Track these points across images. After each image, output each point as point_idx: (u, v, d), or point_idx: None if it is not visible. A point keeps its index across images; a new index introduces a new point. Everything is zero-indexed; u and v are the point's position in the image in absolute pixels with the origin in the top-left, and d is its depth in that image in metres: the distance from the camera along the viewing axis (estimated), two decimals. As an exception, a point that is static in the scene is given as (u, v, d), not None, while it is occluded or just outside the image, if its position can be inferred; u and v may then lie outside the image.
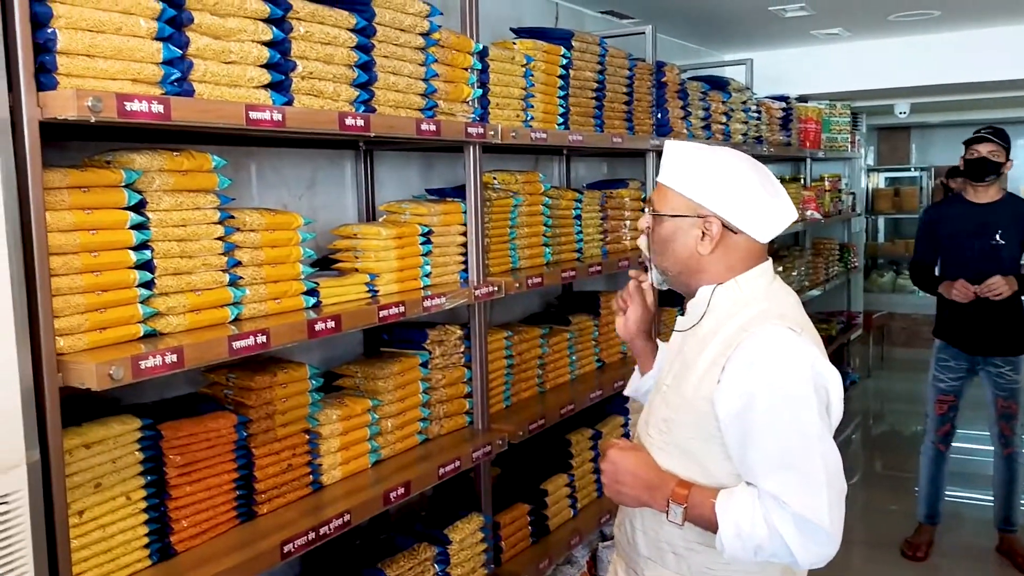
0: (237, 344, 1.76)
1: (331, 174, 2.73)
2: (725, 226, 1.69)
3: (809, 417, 1.56)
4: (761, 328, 1.61)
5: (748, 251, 1.73)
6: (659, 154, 3.81)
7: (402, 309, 2.22)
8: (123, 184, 1.68)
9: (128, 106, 1.55)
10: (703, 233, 1.69)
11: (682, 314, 1.83)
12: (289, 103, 1.96)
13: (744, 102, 4.66)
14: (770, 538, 1.55)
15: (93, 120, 1.49)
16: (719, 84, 4.46)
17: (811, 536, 1.52)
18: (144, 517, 1.77)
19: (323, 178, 2.70)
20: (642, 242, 1.87)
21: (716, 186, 1.69)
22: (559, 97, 3.04)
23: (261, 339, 1.81)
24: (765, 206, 1.70)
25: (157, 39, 1.67)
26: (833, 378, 1.61)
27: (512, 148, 3.40)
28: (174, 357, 1.63)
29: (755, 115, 4.80)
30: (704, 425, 1.64)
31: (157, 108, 1.60)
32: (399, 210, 2.56)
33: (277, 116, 1.84)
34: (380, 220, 2.61)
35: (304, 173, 2.63)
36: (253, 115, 1.79)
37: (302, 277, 2.07)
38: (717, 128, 4.36)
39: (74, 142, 1.95)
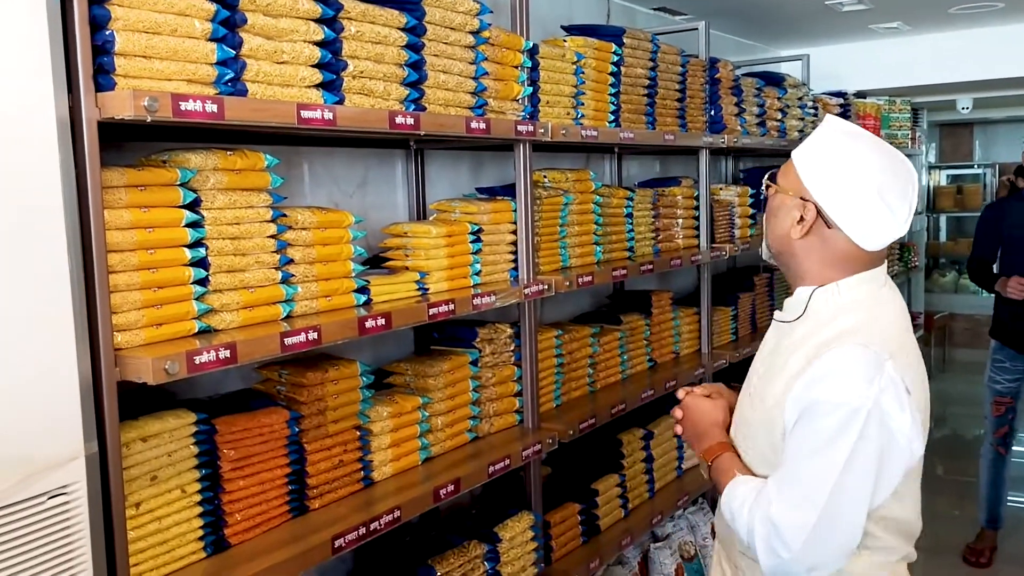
0: (289, 340, 1.78)
1: (382, 173, 2.75)
2: (821, 216, 1.63)
3: (843, 445, 1.50)
4: (840, 347, 1.55)
5: (849, 254, 1.64)
6: (712, 152, 3.78)
7: (452, 307, 2.22)
8: (178, 183, 1.71)
9: (183, 106, 1.57)
10: (800, 216, 1.65)
11: (778, 308, 1.80)
12: (340, 102, 1.98)
13: (800, 98, 4.58)
14: (747, 525, 1.56)
15: (149, 120, 1.52)
16: (774, 80, 4.39)
17: (774, 546, 1.51)
18: (199, 510, 1.80)
19: (374, 177, 2.72)
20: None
21: (826, 174, 1.62)
22: (610, 95, 3.02)
23: (312, 336, 1.83)
24: (873, 212, 1.58)
25: (211, 40, 1.70)
26: (903, 421, 1.53)
27: (562, 146, 3.39)
28: (227, 353, 1.65)
29: (811, 111, 4.71)
30: (773, 432, 1.62)
31: (211, 108, 1.62)
32: (449, 208, 2.57)
33: (328, 115, 1.86)
34: (431, 219, 2.62)
35: (355, 172, 2.66)
36: (305, 114, 1.80)
37: (353, 275, 2.09)
38: (772, 125, 4.29)
39: (131, 143, 1.99)
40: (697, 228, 3.71)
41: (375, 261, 2.45)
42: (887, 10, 4.81)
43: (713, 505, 3.93)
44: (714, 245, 3.75)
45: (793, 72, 4.95)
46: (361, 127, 1.97)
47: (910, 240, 7.38)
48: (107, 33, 1.54)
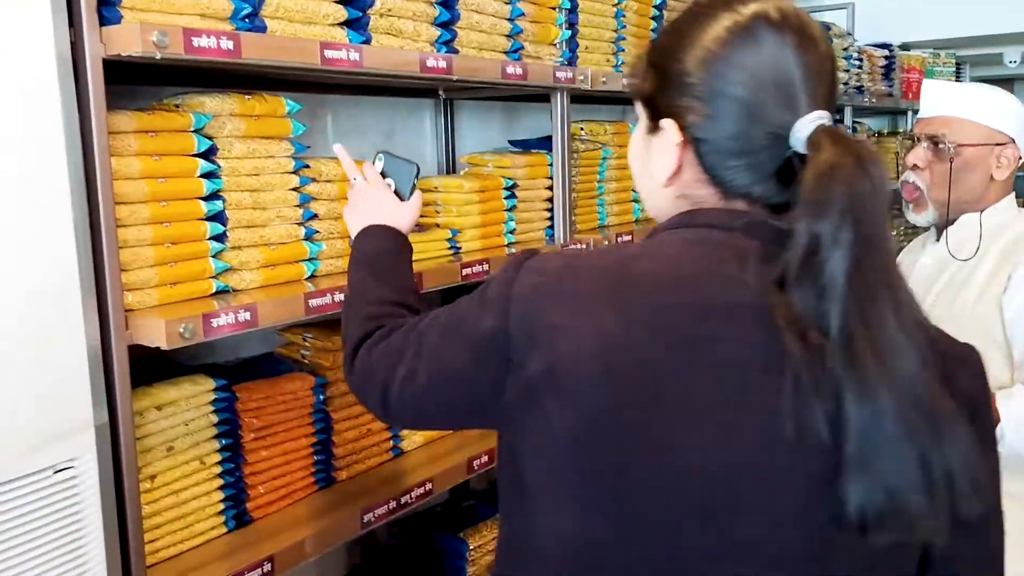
0: (314, 302, 1.64)
1: (409, 124, 2.59)
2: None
3: None
4: None
5: (1010, 178, 2.03)
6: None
7: (486, 267, 2.07)
8: (192, 129, 1.56)
9: (196, 42, 1.42)
10: (999, 160, 1.96)
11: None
12: (366, 42, 1.82)
13: (845, 48, 4.36)
14: None
15: (159, 57, 1.37)
16: (819, 29, 4.17)
17: None
18: (219, 483, 1.68)
19: (401, 128, 2.56)
20: (917, 178, 2.04)
21: (1016, 116, 1.96)
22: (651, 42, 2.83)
23: (340, 297, 1.69)
24: None
25: (227, -30, 1.55)
26: None
27: (597, 97, 3.21)
28: (247, 315, 1.52)
29: (857, 63, 4.48)
30: (986, 333, 1.84)
31: (227, 44, 1.47)
32: (481, 162, 2.41)
33: (354, 56, 1.70)
34: (462, 173, 2.46)
35: (382, 123, 2.50)
36: (328, 54, 1.65)
37: (381, 231, 1.94)
38: (816, 77, 4.08)
39: (144, 87, 1.84)
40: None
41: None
42: (938, -45, 4.55)
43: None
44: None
45: (838, 21, 4.72)
46: (390, 70, 1.81)
47: (950, 200, 7.13)
48: (111, -39, 1.39)
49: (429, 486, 1.94)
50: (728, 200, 0.99)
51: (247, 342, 2.07)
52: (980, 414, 0.93)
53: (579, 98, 3.15)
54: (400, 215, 1.65)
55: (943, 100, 1.97)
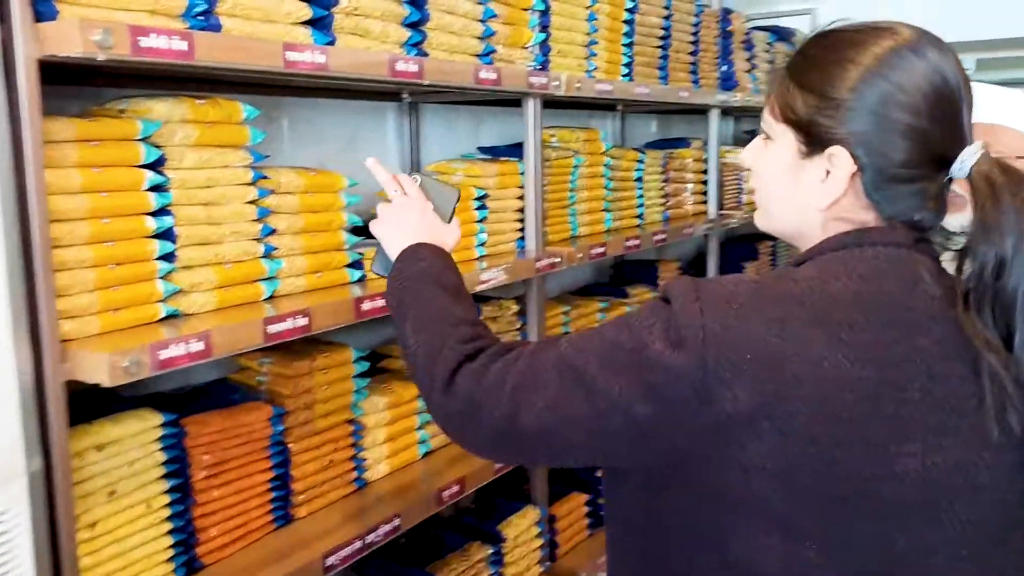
0: (273, 328, 1.49)
1: (372, 128, 2.44)
2: None
3: None
4: None
5: None
6: (724, 111, 3.50)
7: (458, 284, 1.94)
8: (139, 137, 1.40)
9: (143, 41, 1.27)
10: None
11: None
12: (331, 43, 1.67)
13: (809, 55, 4.30)
14: None
15: (102, 58, 1.21)
16: (784, 35, 4.12)
17: None
18: (167, 526, 1.52)
19: (364, 133, 2.41)
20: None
21: None
22: (624, 45, 2.72)
23: (302, 321, 1.55)
24: None
25: (178, -38, 1.39)
26: None
27: (568, 103, 3.10)
28: (201, 345, 1.37)
29: (819, 70, 4.44)
30: None
31: (179, 45, 1.32)
32: (450, 170, 2.28)
33: (320, 58, 1.56)
34: (428, 181, 2.33)
35: (343, 128, 2.35)
36: (291, 56, 1.50)
37: (346, 247, 1.80)
38: (782, 83, 4.02)
39: (85, 87, 1.68)
40: (706, 194, 3.44)
41: (365, 230, 2.16)
42: (900, -38, 4.52)
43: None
44: (722, 212, 3.49)
45: (801, 28, 4.67)
46: (357, 74, 1.67)
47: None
48: (47, -52, 1.23)
49: (397, 522, 1.80)
50: (887, 222, 1.02)
51: (200, 367, 1.91)
52: None
53: (552, 102, 3.04)
54: (446, 235, 1.54)
55: (982, 104, 1.72)
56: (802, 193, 1.06)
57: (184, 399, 1.68)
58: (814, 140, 1.03)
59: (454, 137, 2.72)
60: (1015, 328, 0.93)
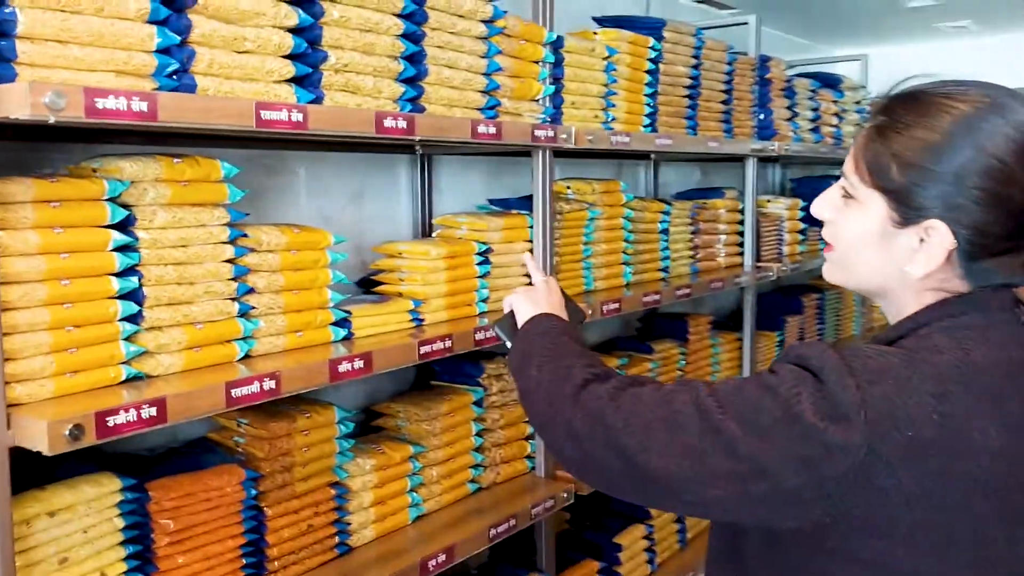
0: (238, 392, 1.45)
1: (383, 181, 2.41)
2: None
3: None
4: None
5: None
6: (760, 159, 3.40)
7: (448, 344, 1.88)
8: (106, 197, 1.39)
9: (100, 103, 1.24)
10: None
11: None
12: (318, 100, 1.65)
13: (858, 102, 4.18)
14: None
15: (52, 120, 1.20)
16: (830, 82, 4.00)
17: None
18: (125, 594, 1.48)
19: (373, 186, 2.38)
20: None
21: None
22: (646, 95, 2.66)
23: (269, 384, 1.50)
24: None
25: (150, 22, 1.38)
26: None
27: (590, 152, 3.04)
28: (153, 411, 1.33)
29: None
30: None
31: (139, 106, 1.29)
32: (454, 224, 2.23)
33: (297, 116, 1.53)
34: (435, 235, 2.29)
35: (350, 181, 2.32)
36: (266, 115, 1.47)
37: (330, 305, 1.76)
38: (827, 131, 3.90)
39: (71, 144, 1.68)
40: (742, 245, 3.33)
41: (370, 284, 2.12)
42: (956, 7, 4.37)
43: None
44: (760, 264, 3.37)
45: (851, 74, 4.55)
46: (340, 131, 1.63)
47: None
48: (7, 11, 1.23)
49: (374, 593, 1.73)
50: (981, 293, 1.02)
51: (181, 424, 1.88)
52: None
53: (568, 153, 2.98)
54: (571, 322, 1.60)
55: None
56: (893, 260, 1.06)
57: (155, 460, 1.65)
58: (910, 211, 1.02)
59: (468, 189, 2.67)
60: None
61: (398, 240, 2.19)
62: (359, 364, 1.68)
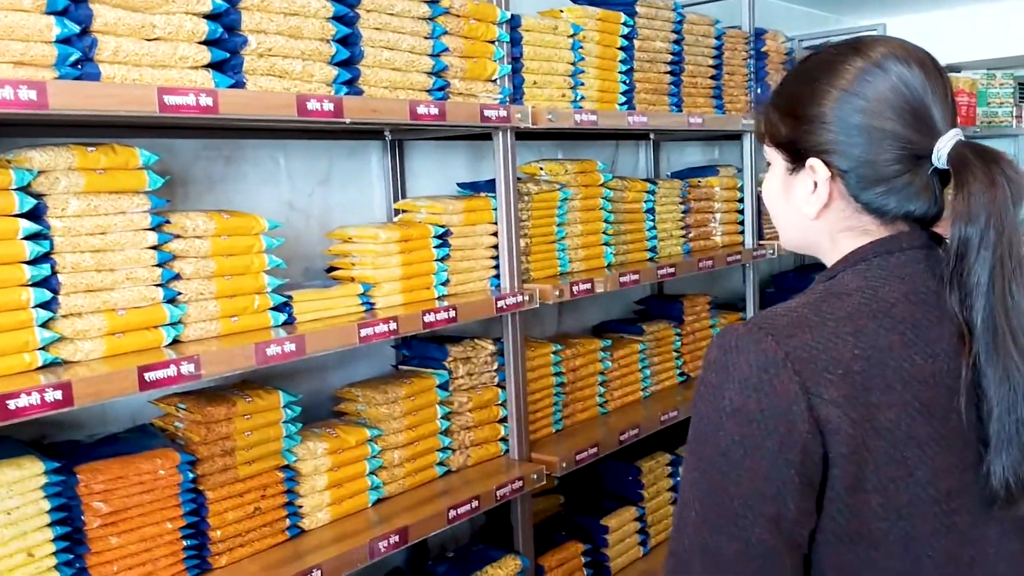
0: (152, 375, 1.47)
1: (350, 167, 2.42)
2: None
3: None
4: None
5: None
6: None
7: (394, 327, 1.88)
8: (14, 187, 1.42)
9: (-14, 93, 1.28)
10: None
11: None
12: (238, 85, 1.66)
13: (872, 73, 4.04)
14: None
15: (-64, 111, 1.23)
16: (840, 53, 3.88)
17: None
18: (55, 575, 1.51)
19: (340, 172, 2.39)
20: None
21: None
22: (621, 72, 2.61)
23: (188, 368, 1.52)
24: None
25: (49, 12, 1.40)
26: None
27: (581, 134, 3.01)
28: (58, 394, 1.35)
29: (887, 88, 4.15)
30: None
31: (27, 95, 1.32)
32: (414, 208, 2.23)
33: (206, 100, 1.54)
34: (396, 220, 2.28)
35: (316, 167, 2.34)
36: (170, 100, 1.49)
37: (268, 290, 1.77)
38: (836, 104, 3.78)
39: (5, 139, 1.72)
40: (742, 223, 3.26)
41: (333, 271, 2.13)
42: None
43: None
44: (761, 242, 3.29)
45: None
46: (259, 115, 1.64)
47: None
48: None
49: (317, 574, 1.74)
50: (889, 223, 1.06)
51: (121, 412, 1.92)
52: None
53: (559, 135, 2.96)
54: None
55: None
56: (796, 207, 1.11)
57: (91, 447, 1.68)
58: (796, 156, 1.09)
59: (446, 174, 2.66)
60: (974, 310, 0.96)
61: (347, 226, 2.18)
62: (290, 347, 1.68)
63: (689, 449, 0.99)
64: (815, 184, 1.07)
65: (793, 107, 1.09)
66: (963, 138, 1.01)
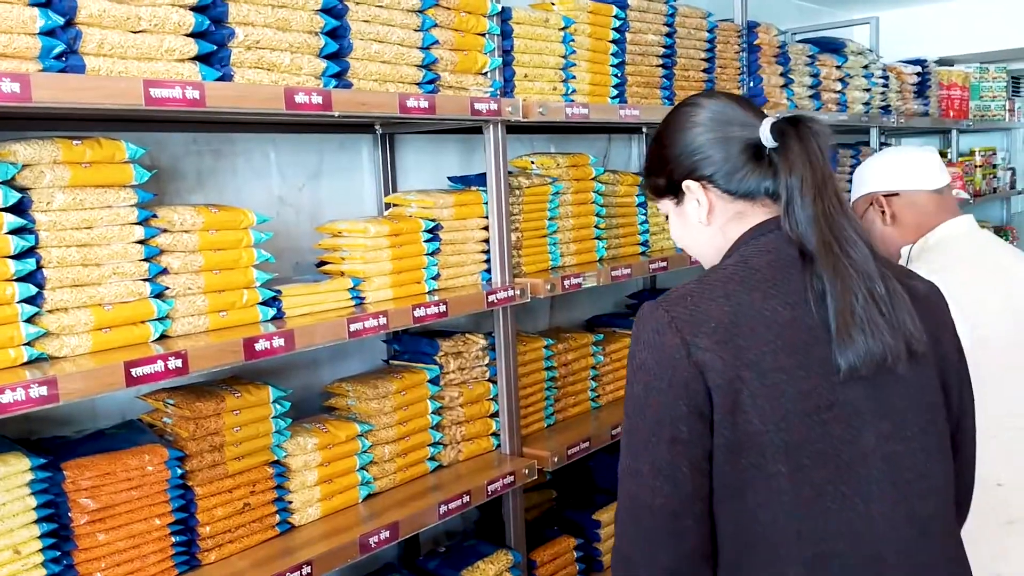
0: (139, 371, 1.46)
1: (343, 161, 2.41)
2: None
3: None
4: None
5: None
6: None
7: (383, 321, 1.87)
8: (-3, 181, 1.41)
9: (-33, 85, 1.26)
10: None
11: None
12: (225, 78, 1.64)
13: (865, 66, 4.04)
14: None
15: (-83, 103, 1.21)
16: (832, 47, 3.87)
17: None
18: (42, 572, 1.50)
19: (331, 166, 2.38)
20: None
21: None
22: (612, 65, 2.60)
23: (175, 363, 1.51)
24: None
25: (32, 4, 1.39)
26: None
27: (571, 127, 3.00)
28: (43, 390, 1.34)
29: (880, 82, 4.15)
30: None
31: (11, 87, 1.31)
32: (404, 202, 2.21)
33: (193, 93, 1.52)
34: (386, 214, 2.27)
35: (307, 160, 2.32)
36: (156, 93, 1.47)
37: (256, 285, 1.76)
38: (829, 97, 3.77)
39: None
40: (734, 217, 3.25)
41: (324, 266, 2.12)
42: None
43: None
44: (754, 236, 3.27)
45: (862, 39, 4.40)
46: (247, 108, 1.63)
47: (1008, 223, 6.65)
48: None
49: (307, 570, 1.73)
50: (757, 202, 1.31)
51: (109, 408, 1.91)
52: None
53: (551, 128, 2.95)
54: None
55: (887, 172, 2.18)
56: (695, 225, 1.38)
57: (78, 443, 1.66)
58: (675, 190, 1.38)
59: (439, 168, 2.65)
60: (807, 234, 1.21)
61: (336, 220, 2.17)
62: (279, 342, 1.67)
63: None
64: (697, 201, 1.35)
65: (658, 163, 1.40)
66: (775, 118, 1.29)
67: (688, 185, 1.34)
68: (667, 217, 1.45)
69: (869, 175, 2.19)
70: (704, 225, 1.35)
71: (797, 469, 1.15)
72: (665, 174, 1.38)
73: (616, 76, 2.61)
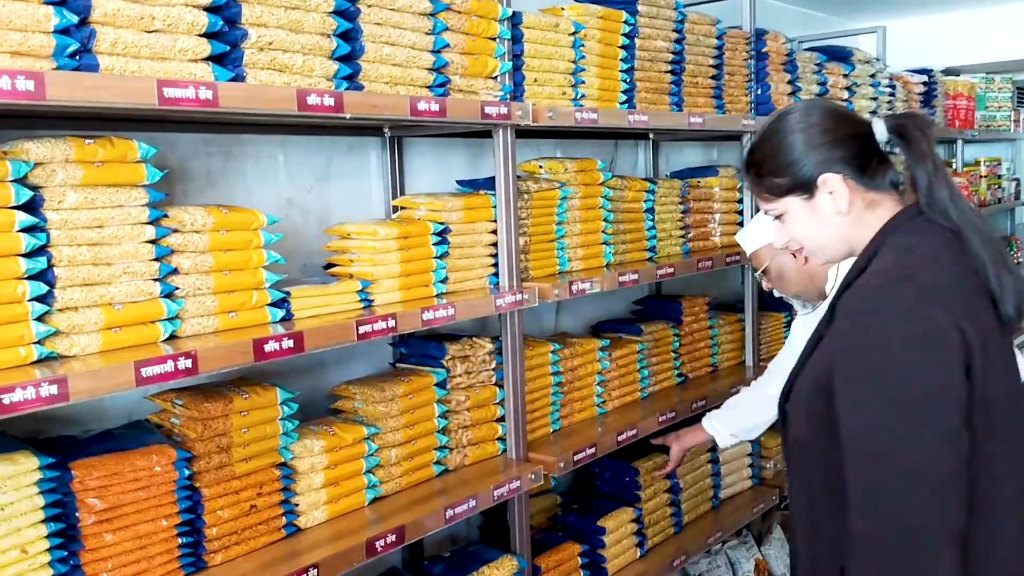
0: (148, 371, 1.45)
1: (351, 164, 2.41)
2: None
3: None
4: None
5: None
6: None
7: (392, 324, 1.86)
8: (9, 179, 1.40)
9: (-18, 83, 1.26)
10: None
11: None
12: (238, 79, 1.64)
13: (872, 75, 4.04)
14: None
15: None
16: (839, 55, 3.87)
17: None
18: (49, 572, 1.49)
19: (340, 168, 2.38)
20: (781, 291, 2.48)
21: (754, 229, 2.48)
22: (622, 71, 2.60)
23: (185, 363, 1.50)
24: None
25: (47, 2, 1.39)
26: None
27: (580, 133, 3.00)
28: (54, 389, 1.34)
29: (887, 90, 4.15)
30: None
31: (25, 85, 1.30)
32: (412, 205, 2.21)
33: (206, 94, 1.52)
34: (395, 217, 2.27)
35: (315, 163, 2.32)
36: (170, 92, 1.47)
37: (266, 286, 1.76)
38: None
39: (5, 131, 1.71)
40: (741, 224, 3.25)
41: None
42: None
43: (759, 539, 3.47)
44: (761, 243, 3.27)
45: (869, 48, 4.40)
46: (258, 109, 1.63)
47: (1014, 234, 6.65)
48: None
49: (314, 572, 1.72)
50: (887, 192, 1.47)
51: (117, 408, 1.91)
52: None
53: (556, 134, 2.94)
54: None
55: (744, 243, 2.46)
56: (831, 217, 1.49)
57: (85, 443, 1.66)
58: (805, 187, 1.48)
59: (446, 171, 2.65)
60: (949, 216, 1.39)
61: (345, 222, 2.17)
62: (288, 343, 1.67)
63: (858, 392, 1.32)
64: (829, 193, 1.46)
65: (780, 164, 1.49)
66: (886, 116, 1.47)
67: (825, 179, 1.45)
68: (776, 218, 1.55)
69: (763, 227, 2.26)
70: (842, 216, 1.46)
71: (1015, 424, 1.35)
72: (791, 173, 1.48)
73: (625, 81, 2.61)
